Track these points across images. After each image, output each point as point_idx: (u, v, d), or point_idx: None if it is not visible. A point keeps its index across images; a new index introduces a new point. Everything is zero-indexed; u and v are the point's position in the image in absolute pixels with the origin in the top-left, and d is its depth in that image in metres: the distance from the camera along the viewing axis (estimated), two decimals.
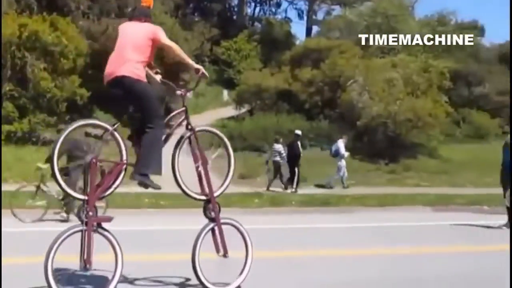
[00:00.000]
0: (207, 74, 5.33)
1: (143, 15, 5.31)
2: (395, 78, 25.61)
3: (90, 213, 4.75)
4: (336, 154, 18.47)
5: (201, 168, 5.30)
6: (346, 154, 18.58)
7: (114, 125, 5.00)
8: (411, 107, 23.93)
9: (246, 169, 18.41)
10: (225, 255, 5.30)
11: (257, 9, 51.22)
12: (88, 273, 4.90)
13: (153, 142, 5.00)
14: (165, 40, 5.14)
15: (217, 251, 5.32)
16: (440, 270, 6.59)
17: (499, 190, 10.58)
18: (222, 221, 5.34)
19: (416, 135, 25.08)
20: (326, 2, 42.80)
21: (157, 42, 5.13)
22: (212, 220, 5.32)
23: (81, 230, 4.76)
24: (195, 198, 5.34)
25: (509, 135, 10.42)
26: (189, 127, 5.33)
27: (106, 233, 4.87)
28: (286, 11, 66.28)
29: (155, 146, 5.01)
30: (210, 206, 5.31)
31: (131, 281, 5.42)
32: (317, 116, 26.20)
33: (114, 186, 5.00)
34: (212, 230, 5.32)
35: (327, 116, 26.06)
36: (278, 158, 17.21)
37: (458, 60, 28.44)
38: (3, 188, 10.77)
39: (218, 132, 5.73)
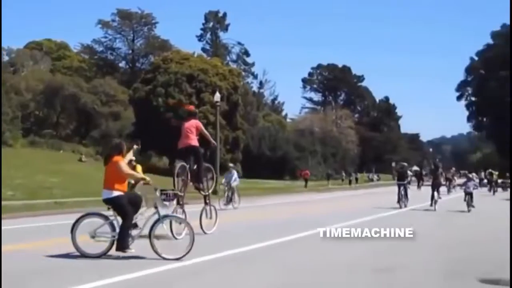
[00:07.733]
0: (214, 142, 13.17)
1: (192, 116, 11.99)
2: None
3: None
4: None
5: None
6: None
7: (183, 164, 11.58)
8: None
9: None
10: (211, 218, 12.17)
11: None
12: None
13: (201, 168, 11.68)
14: (202, 129, 11.80)
15: (207, 217, 12.13)
16: None
17: None
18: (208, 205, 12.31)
19: None
20: None
21: (199, 130, 11.72)
22: (206, 203, 12.22)
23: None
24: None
25: None
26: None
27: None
28: None
29: (202, 170, 11.70)
30: (207, 197, 12.23)
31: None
32: None
33: None
34: (209, 208, 12.26)
35: None
36: None
37: None
38: None
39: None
